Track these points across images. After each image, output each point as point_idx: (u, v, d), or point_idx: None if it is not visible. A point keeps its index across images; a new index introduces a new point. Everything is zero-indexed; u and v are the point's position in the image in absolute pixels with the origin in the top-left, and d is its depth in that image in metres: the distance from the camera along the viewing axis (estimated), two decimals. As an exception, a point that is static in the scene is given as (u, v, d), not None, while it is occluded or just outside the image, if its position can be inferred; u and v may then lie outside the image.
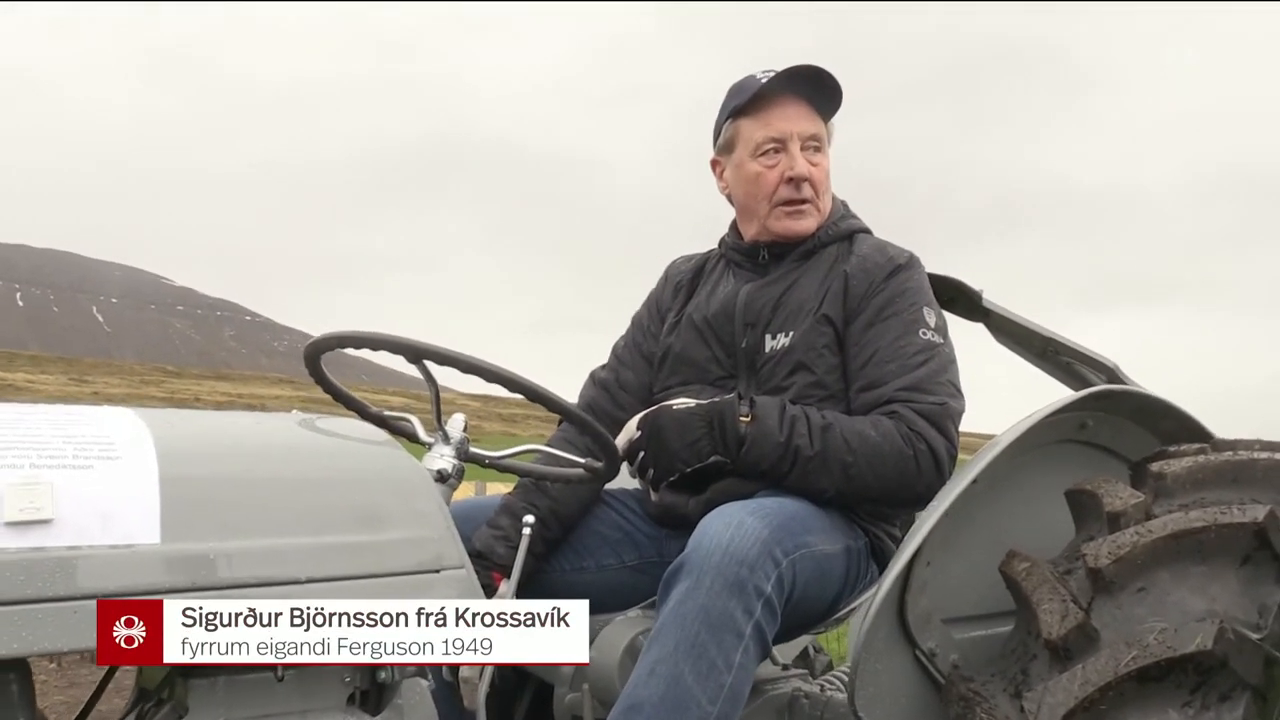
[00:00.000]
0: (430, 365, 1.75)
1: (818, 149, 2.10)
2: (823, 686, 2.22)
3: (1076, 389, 2.50)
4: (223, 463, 1.38)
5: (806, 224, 2.10)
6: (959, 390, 2.01)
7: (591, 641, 2.09)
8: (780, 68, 2.07)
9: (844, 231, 2.14)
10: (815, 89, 2.09)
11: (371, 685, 1.47)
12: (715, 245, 2.30)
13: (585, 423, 1.82)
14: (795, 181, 2.07)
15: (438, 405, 1.77)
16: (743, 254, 2.19)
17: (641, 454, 1.98)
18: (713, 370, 2.12)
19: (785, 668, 2.27)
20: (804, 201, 2.08)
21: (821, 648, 2.77)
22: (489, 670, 1.60)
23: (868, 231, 2.19)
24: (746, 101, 2.09)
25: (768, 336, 2.07)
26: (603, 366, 2.31)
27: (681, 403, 1.98)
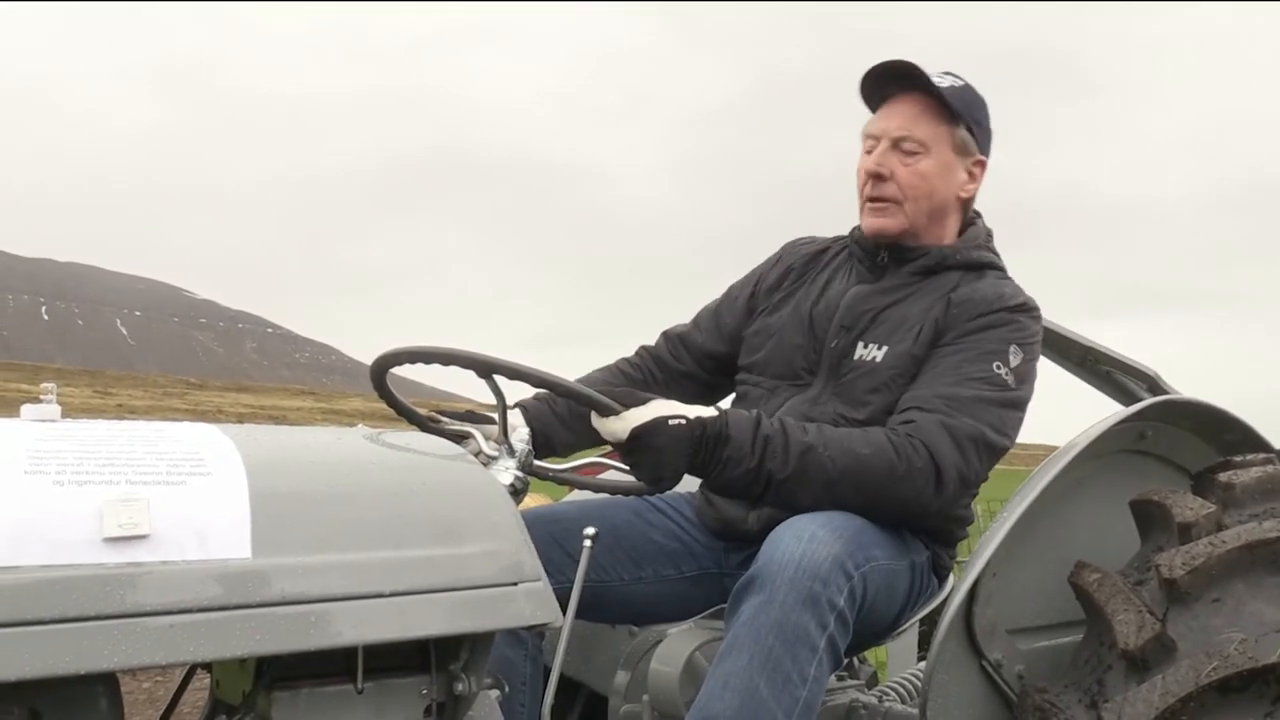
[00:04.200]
0: (499, 380, 1.76)
1: (913, 151, 2.01)
2: (880, 696, 2.23)
3: (1117, 398, 2.51)
4: (307, 478, 1.39)
5: (885, 222, 2.03)
6: (1007, 433, 1.88)
7: (652, 653, 2.10)
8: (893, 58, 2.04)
9: (973, 261, 2.06)
10: (923, 88, 2.01)
11: (448, 697, 1.49)
12: (845, 233, 2.21)
13: None
14: (872, 178, 2.03)
15: (504, 419, 1.78)
16: (864, 250, 2.12)
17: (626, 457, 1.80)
18: (796, 363, 2.07)
19: (840, 678, 2.28)
20: (882, 200, 2.03)
21: (865, 658, 2.77)
22: (553, 682, 1.62)
23: (1001, 270, 2.10)
24: (868, 100, 2.09)
25: (860, 344, 2.01)
26: (679, 324, 2.30)
27: (675, 418, 1.77)
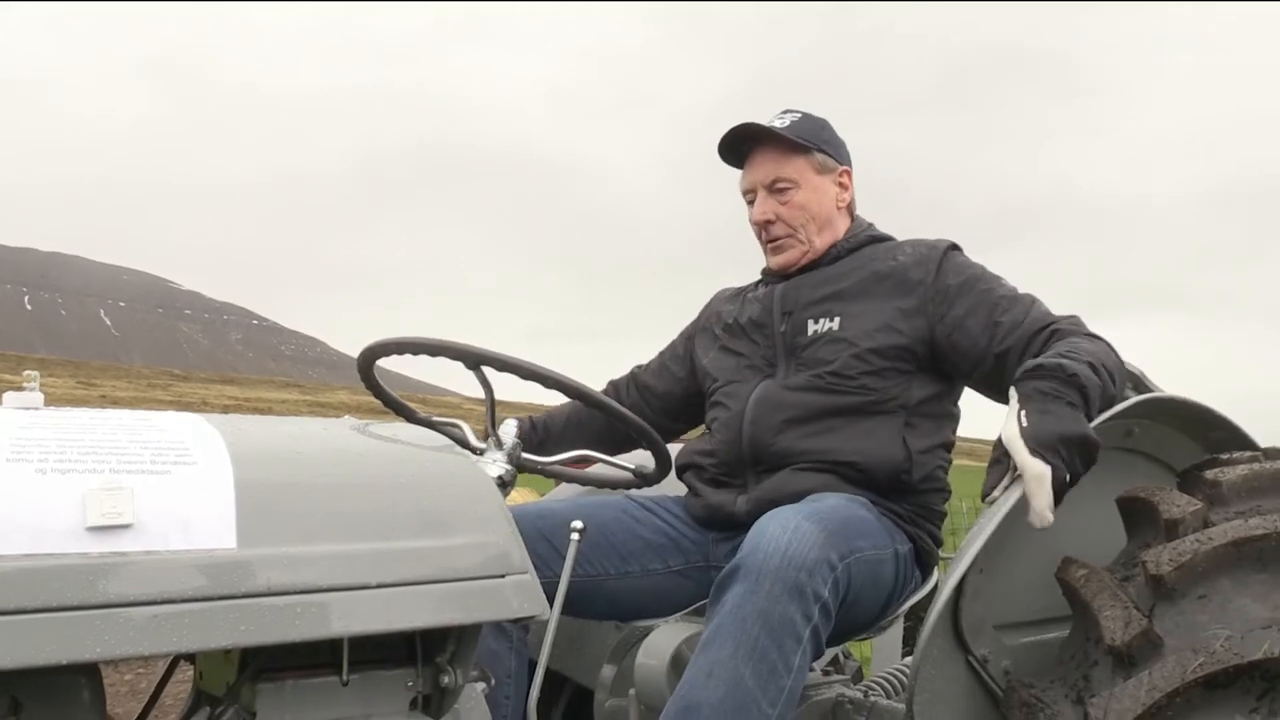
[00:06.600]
0: (487, 372, 1.76)
1: (785, 189, 2.22)
2: (865, 691, 2.23)
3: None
4: (293, 468, 1.38)
5: (788, 256, 2.25)
6: None
7: (638, 647, 2.10)
8: (742, 121, 2.22)
9: (865, 240, 2.26)
10: (772, 137, 2.21)
11: (434, 690, 1.48)
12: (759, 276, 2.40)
13: (643, 430, 1.83)
14: (763, 225, 2.25)
15: (492, 412, 1.78)
16: (774, 274, 2.32)
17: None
18: (755, 362, 2.21)
19: (826, 673, 2.28)
20: (777, 238, 2.25)
21: (850, 653, 2.78)
22: (539, 676, 1.62)
23: (895, 239, 2.29)
24: (730, 159, 2.30)
25: (810, 320, 2.16)
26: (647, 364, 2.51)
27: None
